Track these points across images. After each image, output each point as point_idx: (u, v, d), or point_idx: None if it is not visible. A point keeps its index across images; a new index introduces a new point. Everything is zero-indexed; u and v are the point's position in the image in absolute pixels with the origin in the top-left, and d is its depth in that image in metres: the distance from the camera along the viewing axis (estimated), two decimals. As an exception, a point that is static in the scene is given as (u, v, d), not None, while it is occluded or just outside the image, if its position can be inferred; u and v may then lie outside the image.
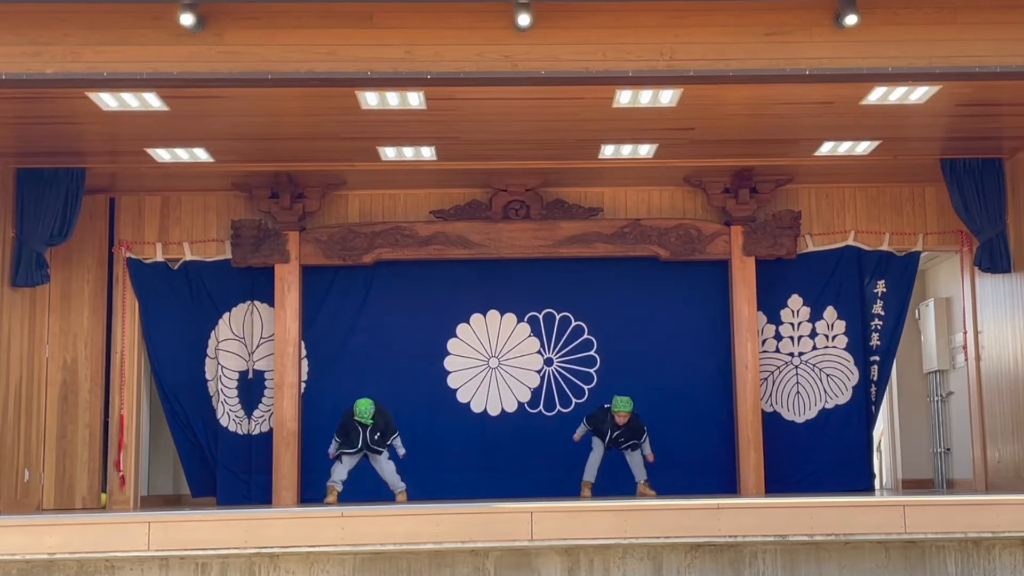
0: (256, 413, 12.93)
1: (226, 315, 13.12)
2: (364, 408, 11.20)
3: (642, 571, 8.65)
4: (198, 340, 13.07)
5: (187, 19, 8.91)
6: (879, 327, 13.33)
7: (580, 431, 12.07)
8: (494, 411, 13.05)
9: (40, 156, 11.88)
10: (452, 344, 13.11)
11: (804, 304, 13.23)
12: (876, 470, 14.38)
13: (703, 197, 13.14)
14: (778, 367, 13.17)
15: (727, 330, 12.94)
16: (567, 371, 13.04)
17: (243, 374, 13.02)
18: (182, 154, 11.84)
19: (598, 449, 11.80)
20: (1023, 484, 11.72)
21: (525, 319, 13.17)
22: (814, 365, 13.16)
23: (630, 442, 11.78)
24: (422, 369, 12.97)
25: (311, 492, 12.47)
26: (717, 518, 8.58)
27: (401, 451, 11.52)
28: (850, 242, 13.22)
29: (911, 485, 14.42)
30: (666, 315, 13.12)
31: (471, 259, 12.99)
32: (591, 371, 12.95)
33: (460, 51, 9.28)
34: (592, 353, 13.03)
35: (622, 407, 11.62)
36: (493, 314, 13.18)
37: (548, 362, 13.09)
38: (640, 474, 11.90)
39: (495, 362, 13.11)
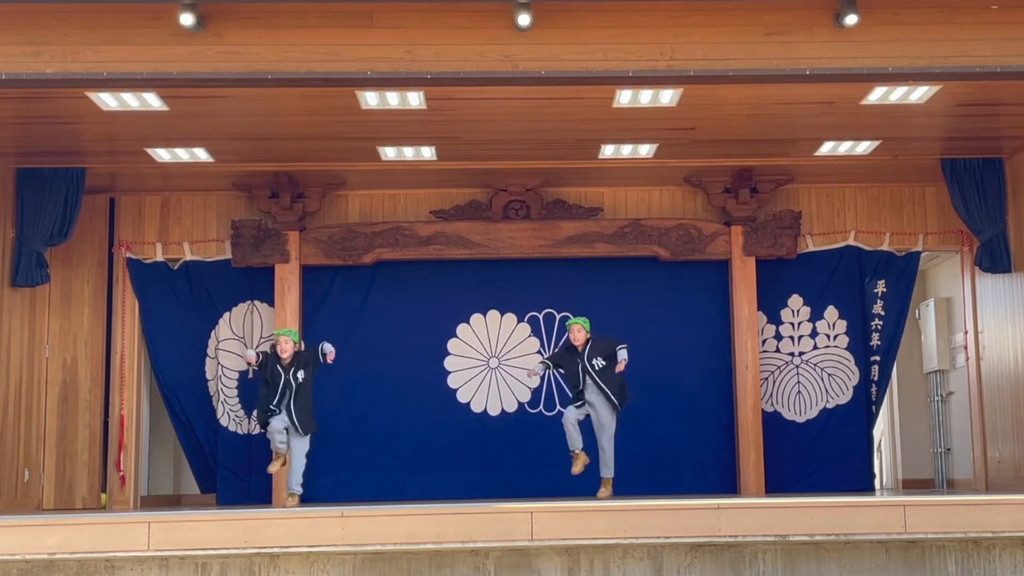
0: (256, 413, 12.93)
1: (226, 315, 13.12)
2: (293, 330, 10.95)
3: (642, 571, 8.65)
4: (198, 340, 13.07)
5: (187, 19, 8.91)
6: (879, 327, 13.33)
7: (537, 369, 11.26)
8: (494, 411, 13.05)
9: (40, 156, 11.88)
10: (452, 344, 13.11)
11: (804, 304, 13.23)
12: (876, 470, 14.38)
13: (703, 197, 13.15)
14: (778, 367, 13.16)
15: (727, 330, 12.94)
16: (567, 371, 13.03)
17: (243, 374, 13.01)
18: (182, 154, 11.84)
19: (568, 413, 10.86)
20: (1023, 484, 11.72)
21: (525, 319, 13.17)
22: (815, 365, 13.16)
23: (603, 360, 10.78)
24: (422, 369, 12.95)
25: (311, 492, 12.45)
26: (717, 518, 8.57)
27: (329, 349, 10.68)
28: (850, 242, 13.22)
29: (911, 485, 14.42)
30: (666, 315, 13.11)
31: (471, 259, 12.99)
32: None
33: (460, 51, 9.28)
34: (592, 353, 13.02)
35: (575, 321, 11.00)
36: (493, 314, 13.17)
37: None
38: (606, 469, 10.91)
39: (495, 362, 13.12)
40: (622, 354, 10.78)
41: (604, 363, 10.82)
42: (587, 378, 10.84)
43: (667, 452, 12.75)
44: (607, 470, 10.91)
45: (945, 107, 10.70)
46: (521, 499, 10.24)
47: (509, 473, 12.62)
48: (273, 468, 10.80)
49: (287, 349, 10.81)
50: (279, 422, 10.62)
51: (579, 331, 10.96)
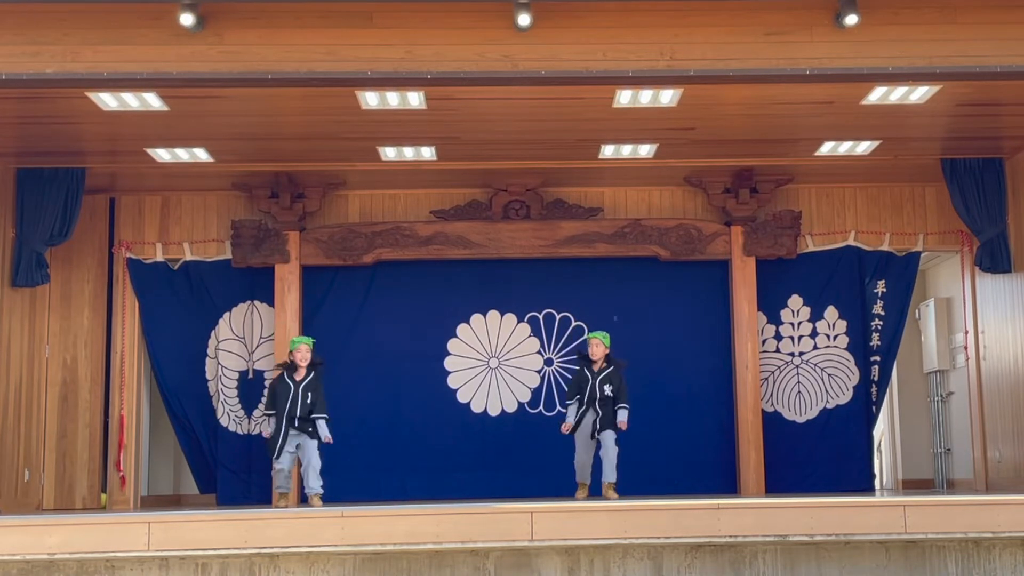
0: (256, 413, 12.91)
1: (226, 315, 13.12)
2: (301, 339, 10.92)
3: (642, 571, 8.64)
4: (198, 340, 13.07)
5: (187, 19, 8.91)
6: (879, 327, 13.33)
7: (572, 411, 10.98)
8: (494, 411, 13.04)
9: (40, 156, 11.88)
10: (452, 344, 13.11)
11: (804, 304, 13.23)
12: (876, 470, 14.38)
13: (703, 197, 13.14)
14: (778, 367, 13.16)
15: (727, 330, 12.94)
16: (567, 371, 13.01)
17: (243, 374, 13.02)
18: (182, 154, 11.84)
19: (582, 444, 10.91)
20: (1023, 484, 11.72)
21: (525, 319, 13.16)
22: (815, 365, 13.16)
23: (610, 390, 10.74)
24: (422, 369, 12.96)
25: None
26: (717, 518, 8.57)
27: (325, 434, 10.65)
28: (850, 242, 13.22)
29: (911, 485, 14.42)
30: (666, 315, 13.11)
31: (471, 259, 12.98)
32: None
33: (460, 51, 9.28)
34: (592, 353, 13.02)
35: (595, 335, 10.96)
36: (493, 314, 13.17)
37: (548, 362, 13.08)
38: (610, 474, 10.80)
39: (495, 362, 13.11)
40: (622, 415, 10.69)
41: (610, 394, 10.76)
42: (594, 398, 10.76)
43: (667, 452, 12.74)
44: (613, 475, 10.76)
45: (945, 107, 10.70)
46: (521, 499, 10.24)
47: (509, 473, 12.62)
48: (281, 505, 10.68)
49: (306, 357, 10.72)
50: (285, 461, 10.63)
51: (597, 345, 10.90)
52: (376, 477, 12.63)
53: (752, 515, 8.62)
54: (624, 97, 10.24)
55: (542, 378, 13.06)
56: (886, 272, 13.30)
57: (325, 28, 9.23)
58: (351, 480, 12.48)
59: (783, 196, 13.17)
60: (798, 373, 13.16)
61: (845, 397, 13.12)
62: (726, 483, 12.83)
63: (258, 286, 12.99)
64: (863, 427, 13.14)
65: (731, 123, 11.27)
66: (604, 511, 8.66)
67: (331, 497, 11.63)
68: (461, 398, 13.06)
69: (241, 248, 12.81)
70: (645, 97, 10.24)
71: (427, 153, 11.98)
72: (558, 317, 13.14)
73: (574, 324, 13.10)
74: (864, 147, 11.99)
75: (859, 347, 13.16)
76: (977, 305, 12.99)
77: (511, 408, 13.05)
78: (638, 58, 9.32)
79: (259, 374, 12.97)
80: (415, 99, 10.21)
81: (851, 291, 13.22)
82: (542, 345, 13.12)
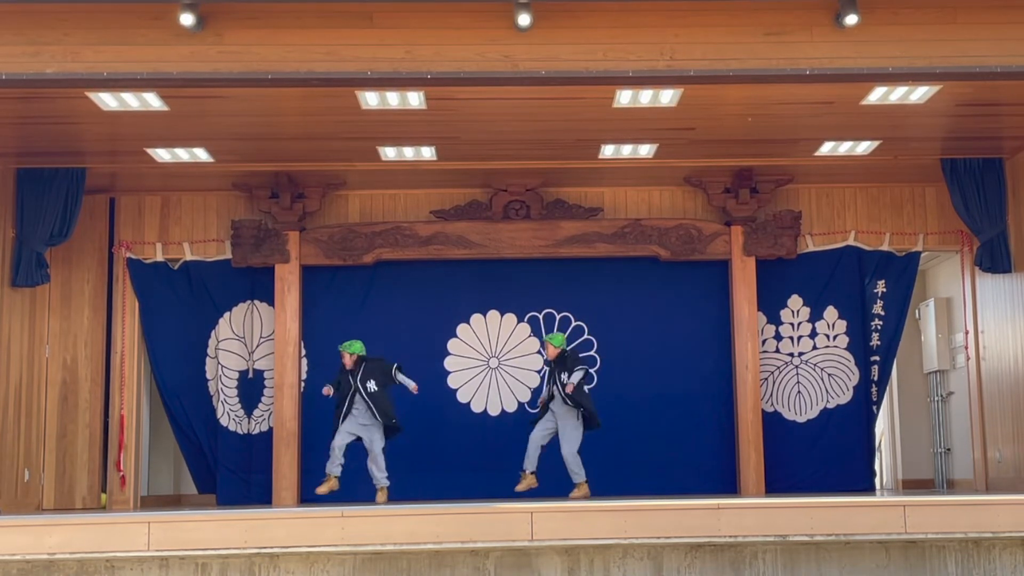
0: (256, 413, 12.94)
1: (226, 315, 13.13)
2: (353, 343, 11.28)
3: (642, 571, 8.65)
4: (198, 340, 13.07)
5: (187, 19, 8.92)
6: (879, 327, 13.33)
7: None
8: (494, 411, 13.05)
9: (40, 156, 11.88)
10: (452, 344, 13.11)
11: (804, 304, 13.23)
12: (876, 470, 14.38)
13: (703, 197, 13.14)
14: (778, 367, 13.16)
15: (727, 330, 12.94)
16: (567, 371, 13.02)
17: (243, 374, 13.02)
18: (182, 154, 11.85)
19: (535, 433, 11.22)
20: (1023, 484, 11.72)
21: (525, 319, 13.17)
22: (815, 365, 13.16)
23: (562, 374, 11.09)
24: (422, 369, 12.88)
25: (311, 492, 12.45)
26: (717, 518, 8.57)
27: (411, 384, 11.17)
28: (850, 242, 13.22)
29: (911, 485, 14.42)
30: (666, 315, 13.11)
31: (471, 259, 12.99)
32: (591, 371, 12.93)
33: (460, 51, 9.29)
34: (592, 353, 13.02)
35: (546, 338, 11.48)
36: (493, 314, 13.18)
37: (548, 362, 13.06)
38: (576, 473, 11.08)
39: (495, 362, 13.11)
40: (575, 376, 11.02)
41: (566, 379, 11.10)
42: (555, 391, 11.16)
43: (667, 452, 12.74)
44: (577, 477, 11.12)
45: (945, 107, 10.70)
46: (521, 499, 10.24)
47: (509, 473, 12.55)
48: (322, 490, 11.07)
49: (349, 361, 11.22)
50: (341, 438, 11.06)
51: (547, 346, 11.38)
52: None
53: (752, 515, 8.62)
54: (624, 97, 10.25)
55: (542, 378, 13.05)
56: (886, 272, 13.30)
57: (325, 28, 9.23)
58: (351, 480, 12.46)
59: (783, 196, 13.17)
60: (798, 373, 13.16)
61: (845, 397, 13.12)
62: (726, 483, 12.83)
63: (258, 286, 12.99)
64: (863, 427, 13.14)
65: (731, 123, 11.27)
66: (604, 511, 8.66)
67: (331, 497, 11.65)
68: (461, 398, 13.06)
69: (241, 248, 12.81)
70: (645, 97, 10.24)
71: (427, 153, 11.98)
72: (558, 317, 13.14)
73: (574, 324, 13.10)
74: (864, 147, 11.99)
75: (859, 347, 13.16)
76: (977, 305, 12.99)
77: (511, 408, 13.05)
78: (638, 58, 9.32)
79: (259, 374, 12.99)
80: (415, 99, 10.22)
81: (851, 291, 13.22)
82: (542, 345, 13.11)
